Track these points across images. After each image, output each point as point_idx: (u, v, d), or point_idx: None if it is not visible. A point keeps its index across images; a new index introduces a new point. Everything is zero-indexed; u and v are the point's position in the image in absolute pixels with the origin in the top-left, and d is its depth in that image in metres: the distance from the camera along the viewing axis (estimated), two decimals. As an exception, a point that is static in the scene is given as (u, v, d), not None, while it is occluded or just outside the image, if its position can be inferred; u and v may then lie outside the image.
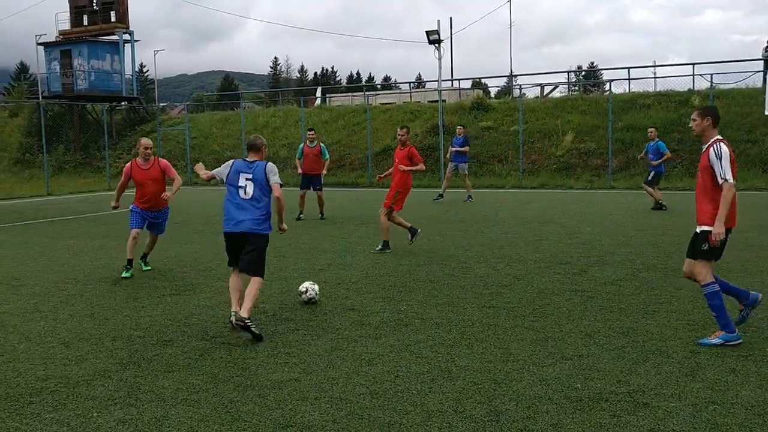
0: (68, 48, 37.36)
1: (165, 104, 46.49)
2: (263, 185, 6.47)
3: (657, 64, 79.28)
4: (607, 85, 34.40)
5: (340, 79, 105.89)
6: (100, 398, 4.77)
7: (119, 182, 9.43)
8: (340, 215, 15.95)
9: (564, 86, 38.65)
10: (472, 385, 4.86)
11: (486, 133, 28.12)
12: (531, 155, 26.45)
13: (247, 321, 5.97)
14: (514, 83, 38.87)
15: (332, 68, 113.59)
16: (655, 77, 32.90)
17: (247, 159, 6.63)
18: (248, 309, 6.08)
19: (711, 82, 24.78)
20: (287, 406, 4.55)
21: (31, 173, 32.35)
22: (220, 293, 7.97)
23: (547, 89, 34.27)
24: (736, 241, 10.93)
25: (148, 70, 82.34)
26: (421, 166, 10.77)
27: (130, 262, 9.12)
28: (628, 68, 31.79)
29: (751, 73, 26.81)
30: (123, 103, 39.08)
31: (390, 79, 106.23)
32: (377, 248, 10.64)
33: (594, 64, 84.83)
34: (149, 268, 9.55)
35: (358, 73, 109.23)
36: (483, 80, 49.07)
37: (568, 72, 46.83)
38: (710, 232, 5.54)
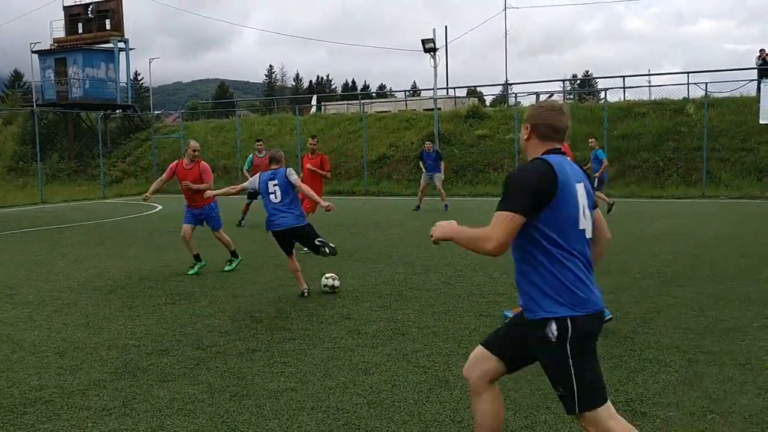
0: (63, 56, 37.25)
1: (160, 112, 46.36)
2: (287, 186, 7.94)
3: (652, 72, 79.58)
4: (602, 93, 34.53)
5: (336, 87, 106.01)
6: (95, 408, 4.74)
7: (161, 177, 10.22)
8: (336, 223, 15.92)
9: (559, 94, 38.70)
10: (469, 394, 4.83)
11: (481, 142, 28.15)
12: (526, 163, 26.44)
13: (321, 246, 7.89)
14: (509, 91, 38.96)
15: (327, 76, 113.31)
16: (650, 86, 32.93)
17: (270, 169, 8.09)
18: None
19: (705, 90, 24.88)
20: (284, 416, 4.53)
21: (25, 181, 32.22)
22: (216, 302, 7.94)
23: (542, 97, 34.35)
24: (730, 248, 10.98)
25: (143, 78, 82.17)
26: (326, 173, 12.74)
27: (195, 257, 9.91)
28: (623, 77, 31.92)
29: (745, 82, 26.91)
30: (118, 111, 38.99)
31: (385, 88, 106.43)
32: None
33: (589, 73, 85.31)
34: (231, 268, 10.06)
35: (353, 81, 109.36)
36: (478, 88, 49.05)
37: (564, 80, 46.77)
38: None
